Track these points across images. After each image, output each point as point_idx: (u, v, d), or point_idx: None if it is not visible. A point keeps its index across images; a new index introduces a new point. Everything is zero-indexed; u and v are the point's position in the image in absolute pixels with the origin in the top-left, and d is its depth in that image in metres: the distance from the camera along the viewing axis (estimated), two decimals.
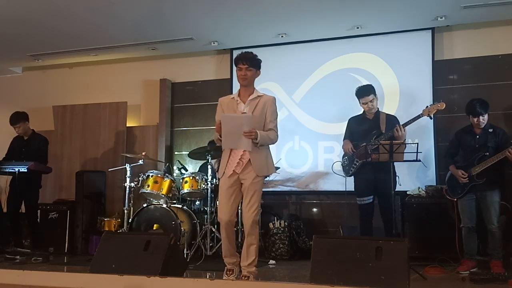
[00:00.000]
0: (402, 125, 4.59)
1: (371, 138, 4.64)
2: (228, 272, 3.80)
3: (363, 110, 4.84)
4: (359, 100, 4.80)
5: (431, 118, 4.69)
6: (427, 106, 4.65)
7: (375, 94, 4.76)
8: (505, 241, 4.42)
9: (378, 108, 4.86)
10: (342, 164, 4.94)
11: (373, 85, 4.89)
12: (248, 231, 3.72)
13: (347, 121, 5.02)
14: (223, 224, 3.76)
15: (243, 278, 3.67)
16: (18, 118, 5.81)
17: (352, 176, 4.83)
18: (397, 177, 4.62)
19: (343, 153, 5.00)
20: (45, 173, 5.86)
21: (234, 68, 6.71)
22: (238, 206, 4.11)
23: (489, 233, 4.36)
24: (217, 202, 5.36)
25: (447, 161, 4.75)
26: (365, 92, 4.74)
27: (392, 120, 4.76)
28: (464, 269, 4.33)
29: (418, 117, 4.61)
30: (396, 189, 4.68)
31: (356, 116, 4.97)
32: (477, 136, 4.49)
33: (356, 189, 4.80)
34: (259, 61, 3.86)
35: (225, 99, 3.96)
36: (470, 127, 4.56)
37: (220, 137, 3.73)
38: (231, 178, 3.76)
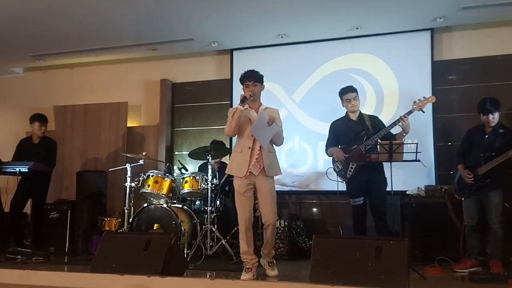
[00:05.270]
0: (402, 117, 4.34)
1: (361, 139, 4.49)
2: (247, 270, 4.10)
3: (345, 112, 4.69)
4: (342, 99, 4.66)
5: (423, 112, 4.45)
6: (415, 101, 4.41)
7: (357, 93, 4.64)
8: (505, 241, 4.42)
9: (360, 110, 4.70)
10: (335, 170, 4.71)
11: (355, 86, 4.72)
12: (272, 226, 4.13)
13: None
14: (247, 224, 4.08)
15: (270, 265, 4.19)
16: (46, 119, 5.98)
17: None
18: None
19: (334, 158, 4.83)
20: (46, 173, 5.87)
21: (235, 69, 6.76)
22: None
23: (492, 232, 4.36)
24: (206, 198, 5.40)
25: (457, 160, 4.70)
26: (348, 89, 4.63)
27: (375, 119, 4.70)
28: (460, 267, 4.35)
29: (410, 112, 4.38)
30: (396, 189, 4.67)
31: (338, 119, 4.77)
32: (486, 136, 4.47)
33: (348, 190, 4.65)
34: (262, 76, 4.18)
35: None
36: (482, 126, 4.54)
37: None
38: (247, 178, 4.07)
